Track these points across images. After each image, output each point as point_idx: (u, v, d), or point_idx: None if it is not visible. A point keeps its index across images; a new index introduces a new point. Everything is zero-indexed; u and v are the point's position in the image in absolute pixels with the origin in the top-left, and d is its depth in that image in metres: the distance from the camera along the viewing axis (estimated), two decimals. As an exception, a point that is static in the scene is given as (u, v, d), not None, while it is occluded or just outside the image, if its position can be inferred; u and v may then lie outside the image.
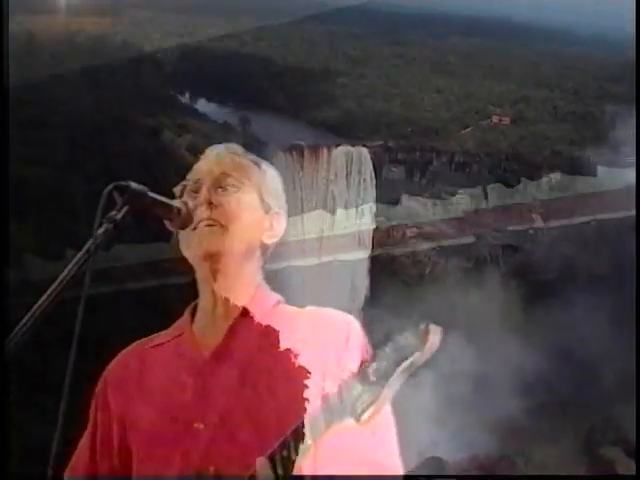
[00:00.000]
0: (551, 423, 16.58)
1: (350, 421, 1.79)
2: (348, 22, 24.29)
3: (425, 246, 17.64)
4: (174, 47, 22.79)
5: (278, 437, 1.88)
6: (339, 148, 17.81)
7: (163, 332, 2.32)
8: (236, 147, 2.32)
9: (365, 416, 1.77)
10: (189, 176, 2.23)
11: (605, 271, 16.67)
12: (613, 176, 15.69)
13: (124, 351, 2.37)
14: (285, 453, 1.84)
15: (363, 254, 17.28)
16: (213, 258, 2.15)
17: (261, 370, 2.13)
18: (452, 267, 17.62)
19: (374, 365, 1.77)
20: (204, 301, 2.25)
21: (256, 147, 17.94)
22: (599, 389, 16.21)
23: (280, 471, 1.83)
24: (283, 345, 2.16)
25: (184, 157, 15.29)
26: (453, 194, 17.60)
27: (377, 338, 1.89)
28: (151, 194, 1.98)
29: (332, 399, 1.81)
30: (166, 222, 2.08)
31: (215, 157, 2.27)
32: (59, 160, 13.80)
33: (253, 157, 2.31)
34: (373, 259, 17.48)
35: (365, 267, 17.78)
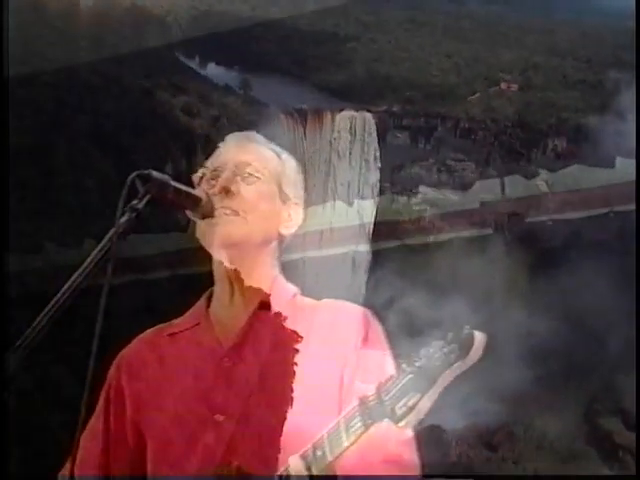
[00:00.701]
0: (553, 392, 16.52)
1: (389, 424, 1.76)
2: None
3: (430, 212, 17.53)
4: (184, 10, 22.71)
5: (298, 431, 1.88)
6: (343, 112, 17.67)
7: (177, 320, 2.28)
8: (257, 136, 2.28)
9: (405, 421, 1.73)
10: (208, 163, 2.21)
11: (610, 238, 16.52)
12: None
13: (138, 338, 2.32)
14: (319, 453, 1.81)
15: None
16: (230, 247, 2.12)
17: (280, 362, 2.09)
18: (457, 234, 17.50)
19: (417, 369, 1.74)
20: (221, 291, 2.22)
21: (256, 109, 17.84)
22: (602, 358, 16.14)
23: (315, 471, 1.80)
24: (301, 338, 2.11)
25: (178, 118, 15.24)
26: (457, 161, 17.45)
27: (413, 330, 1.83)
28: (173, 183, 1.94)
29: (371, 400, 1.77)
30: (187, 212, 2.05)
31: (235, 145, 2.24)
32: (44, 119, 13.75)
33: (274, 147, 2.27)
34: (377, 225, 17.40)
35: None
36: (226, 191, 2.07)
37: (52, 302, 1.77)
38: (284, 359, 2.09)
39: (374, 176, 17.60)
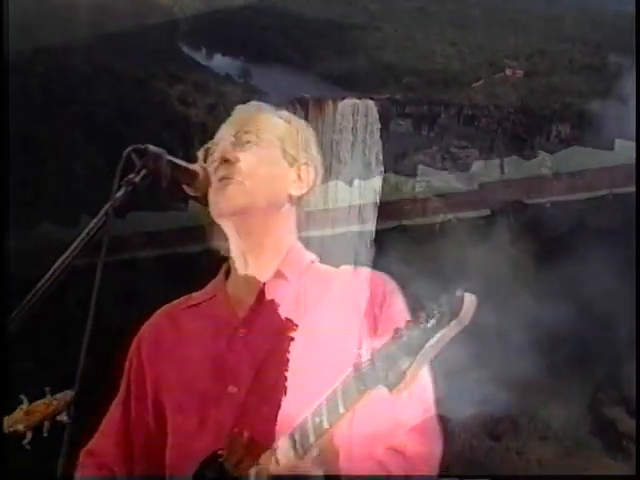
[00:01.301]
0: (558, 381, 16.40)
1: (383, 390, 1.76)
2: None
3: (435, 202, 17.43)
4: (190, 1, 22.68)
5: (312, 401, 1.87)
6: (345, 101, 17.60)
7: (196, 293, 2.31)
8: (265, 105, 2.28)
9: (398, 387, 1.74)
10: (214, 138, 2.24)
11: (616, 225, 16.41)
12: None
13: (158, 312, 2.34)
14: (317, 420, 1.82)
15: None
16: (233, 215, 2.15)
17: (295, 331, 2.07)
18: (462, 223, 17.42)
19: (408, 333, 1.74)
20: (235, 261, 2.22)
21: (256, 98, 17.83)
22: (608, 347, 16.03)
23: (312, 439, 1.81)
24: (317, 305, 2.12)
25: (174, 107, 15.24)
26: (461, 148, 17.35)
27: (411, 305, 1.89)
28: (169, 157, 1.98)
29: (365, 366, 1.78)
30: (184, 186, 2.07)
31: (238, 116, 2.25)
32: (33, 107, 13.77)
33: (284, 113, 2.27)
34: (380, 210, 17.34)
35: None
36: (224, 160, 2.11)
37: (44, 278, 1.77)
38: (298, 328, 2.08)
39: (377, 167, 17.58)
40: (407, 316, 1.98)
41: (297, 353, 2.05)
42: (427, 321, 1.72)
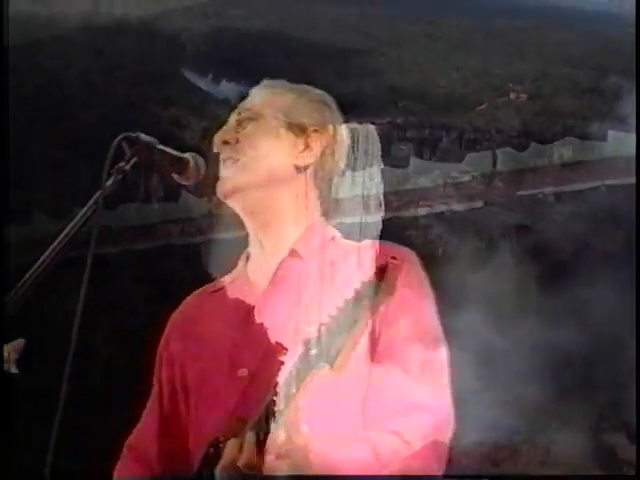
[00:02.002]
0: (560, 406, 16.28)
1: (326, 368, 1.72)
2: (383, 4, 24.19)
3: (437, 227, 17.34)
4: (198, 27, 22.79)
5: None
6: (346, 125, 17.56)
7: (223, 277, 2.31)
8: (273, 82, 2.31)
9: (337, 363, 1.70)
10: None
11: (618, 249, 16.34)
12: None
13: (186, 299, 2.37)
14: (275, 403, 1.79)
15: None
16: (236, 194, 2.16)
17: (308, 311, 2.01)
18: (465, 246, 17.34)
19: (349, 307, 1.73)
20: (252, 244, 2.25)
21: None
22: (611, 372, 15.90)
23: (272, 424, 1.77)
24: (333, 281, 2.06)
25: (166, 130, 15.23)
26: (463, 172, 17.29)
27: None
28: (160, 146, 2.00)
29: (311, 343, 1.75)
30: (175, 176, 2.07)
31: (249, 96, 2.28)
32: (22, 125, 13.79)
33: (298, 86, 2.28)
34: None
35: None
36: (224, 142, 2.10)
37: (33, 269, 1.77)
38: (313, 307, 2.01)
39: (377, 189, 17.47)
40: (428, 295, 1.98)
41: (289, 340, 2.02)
42: (356, 298, 1.70)
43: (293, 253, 2.16)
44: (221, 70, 22.29)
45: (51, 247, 1.79)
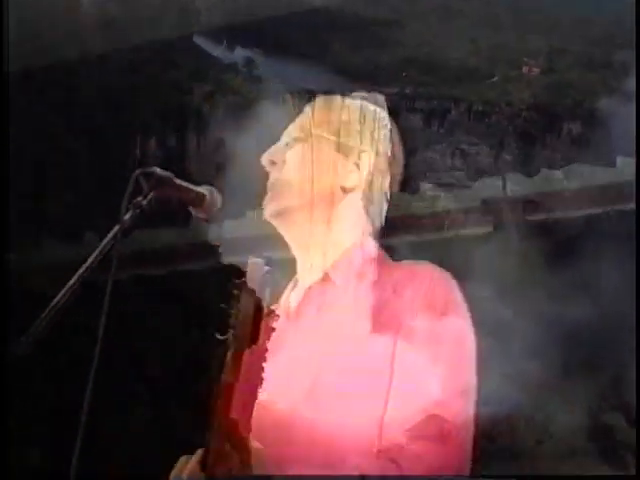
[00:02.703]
0: (561, 385, 16.18)
1: None
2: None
3: (444, 201, 17.23)
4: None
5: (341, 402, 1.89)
6: (353, 94, 17.49)
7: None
8: (330, 97, 2.24)
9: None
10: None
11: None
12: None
13: None
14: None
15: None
16: (277, 217, 2.13)
17: (331, 341, 2.02)
18: (471, 222, 17.24)
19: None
20: (297, 266, 2.20)
21: (258, 87, 17.82)
22: (615, 352, 15.79)
23: None
24: (364, 306, 2.04)
25: (167, 93, 15.20)
26: (472, 144, 17.16)
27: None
28: (177, 181, 2.00)
29: None
30: (191, 209, 2.08)
31: (299, 116, 2.22)
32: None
33: (353, 103, 2.21)
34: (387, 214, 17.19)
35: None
36: (272, 162, 2.04)
37: (55, 300, 1.80)
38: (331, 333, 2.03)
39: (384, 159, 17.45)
40: (464, 317, 1.97)
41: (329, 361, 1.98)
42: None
43: (325, 277, 2.10)
44: (236, 37, 22.21)
45: (70, 282, 1.83)
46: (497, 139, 16.96)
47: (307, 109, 2.17)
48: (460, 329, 2.00)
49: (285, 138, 2.14)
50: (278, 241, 2.15)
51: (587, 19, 22.43)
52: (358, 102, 2.20)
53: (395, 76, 18.73)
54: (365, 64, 19.44)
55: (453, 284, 2.06)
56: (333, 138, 2.09)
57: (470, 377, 1.98)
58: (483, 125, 17.44)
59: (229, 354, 1.85)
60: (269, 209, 2.08)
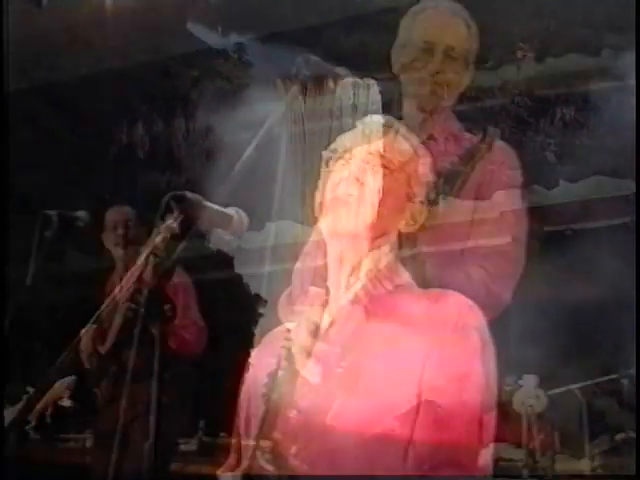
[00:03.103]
0: (556, 371, 16.22)
1: None
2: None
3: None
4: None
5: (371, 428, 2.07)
6: (346, 79, 17.41)
7: None
8: (397, 123, 2.29)
9: None
10: (335, 145, 2.24)
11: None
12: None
13: None
14: None
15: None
16: (341, 238, 2.11)
17: (353, 364, 2.22)
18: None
19: None
20: (329, 281, 2.47)
21: (249, 73, 17.78)
22: (610, 338, 15.82)
23: None
24: (388, 332, 2.25)
25: (154, 79, 15.16)
26: (464, 129, 17.12)
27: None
28: (206, 203, 2.16)
29: None
30: (219, 230, 2.29)
31: (370, 132, 2.26)
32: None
33: (412, 137, 2.28)
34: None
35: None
36: (355, 178, 2.08)
37: (89, 325, 1.86)
38: (359, 359, 2.27)
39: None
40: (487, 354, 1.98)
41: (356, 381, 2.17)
42: None
43: (354, 300, 2.14)
44: (231, 24, 22.09)
45: (104, 304, 1.98)
46: (490, 124, 16.94)
47: (369, 133, 2.17)
48: (459, 312, 2.03)
49: (364, 153, 2.10)
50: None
51: (583, 3, 22.42)
52: (416, 141, 2.23)
53: (388, 61, 18.57)
54: (357, 49, 19.38)
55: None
56: (406, 179, 2.11)
57: (472, 365, 2.00)
58: (476, 110, 17.40)
59: None
60: (334, 228, 2.04)
